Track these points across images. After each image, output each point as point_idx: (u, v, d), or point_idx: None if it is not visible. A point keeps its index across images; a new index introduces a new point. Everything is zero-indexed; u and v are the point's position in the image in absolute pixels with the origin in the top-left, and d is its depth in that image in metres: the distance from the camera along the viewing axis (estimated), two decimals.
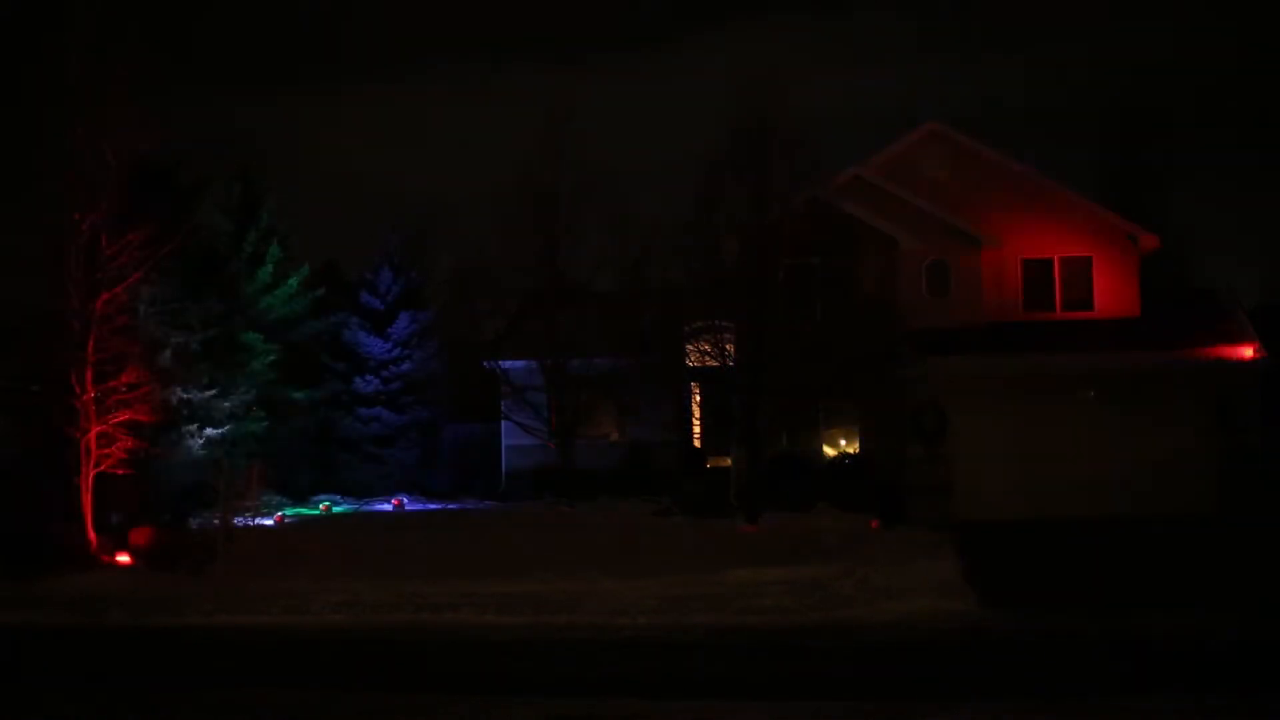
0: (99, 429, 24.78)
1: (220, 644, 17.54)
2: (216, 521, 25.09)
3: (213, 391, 29.40)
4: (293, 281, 34.53)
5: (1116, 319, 29.14)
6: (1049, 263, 30.01)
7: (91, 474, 24.65)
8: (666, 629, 17.50)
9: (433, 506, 32.51)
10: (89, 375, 24.75)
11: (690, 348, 29.62)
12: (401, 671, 15.19)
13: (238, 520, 26.57)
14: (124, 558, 24.01)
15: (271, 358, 32.36)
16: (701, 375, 30.13)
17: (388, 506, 32.32)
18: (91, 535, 24.29)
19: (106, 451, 24.81)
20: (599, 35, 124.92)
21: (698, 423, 33.02)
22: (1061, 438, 27.11)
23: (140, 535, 24.55)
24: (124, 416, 25.06)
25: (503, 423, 33.37)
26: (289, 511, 30.74)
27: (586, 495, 30.52)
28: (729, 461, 29.85)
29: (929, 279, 29.65)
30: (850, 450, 29.10)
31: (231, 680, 14.33)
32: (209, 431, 29.15)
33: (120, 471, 25.10)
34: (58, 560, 23.09)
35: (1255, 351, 26.87)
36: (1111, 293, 29.66)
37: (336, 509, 32.18)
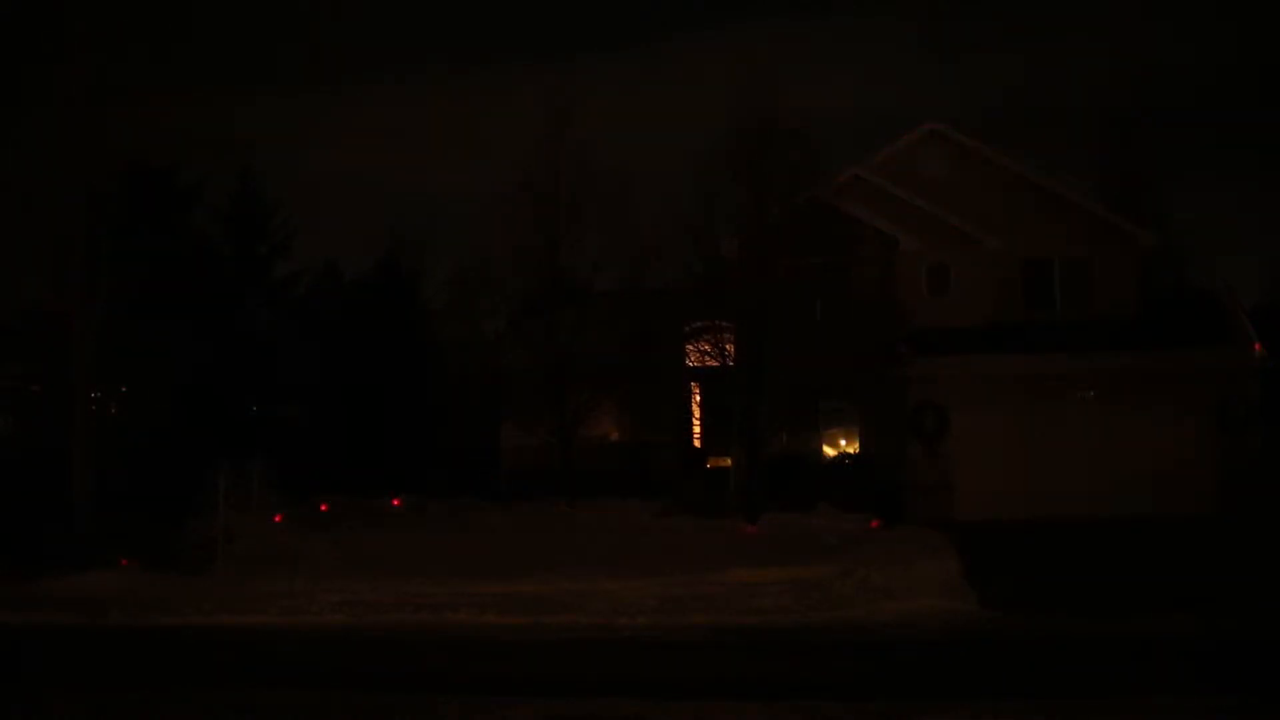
0: (99, 428, 24.76)
1: (220, 644, 17.52)
2: (216, 521, 25.05)
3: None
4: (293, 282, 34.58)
5: (1116, 319, 29.11)
6: (1049, 263, 30.00)
7: (91, 473, 24.62)
8: (666, 629, 17.48)
9: (433, 507, 32.41)
10: (89, 375, 24.74)
11: (690, 348, 29.64)
12: (401, 671, 15.17)
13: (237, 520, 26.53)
14: (123, 558, 23.98)
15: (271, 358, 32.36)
16: (701, 375, 30.14)
17: (388, 506, 32.20)
18: (92, 535, 24.26)
19: (107, 451, 24.80)
20: (596, 35, 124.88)
21: (698, 423, 33.01)
22: (1061, 438, 27.14)
23: (140, 535, 24.52)
24: (125, 416, 25.05)
25: (503, 423, 33.33)
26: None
27: (586, 495, 30.50)
28: (729, 461, 29.85)
29: (929, 279, 29.64)
30: (850, 450, 29.09)
31: (231, 680, 14.32)
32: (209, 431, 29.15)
33: (121, 471, 25.07)
34: (57, 560, 23.07)
35: (1255, 351, 26.85)
36: (1111, 293, 29.64)
37: (336, 509, 32.05)
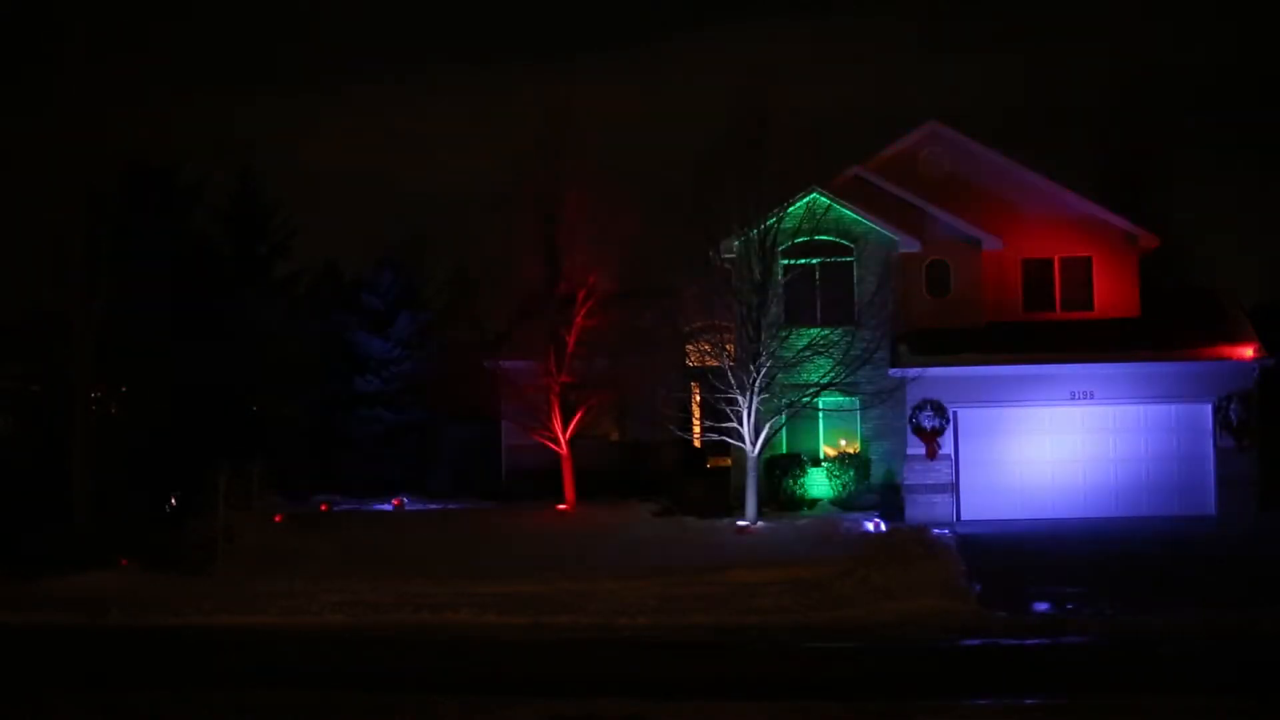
0: (99, 429, 24.78)
1: (220, 644, 17.54)
2: (216, 522, 25.07)
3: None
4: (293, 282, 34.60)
5: (1116, 319, 29.14)
6: (1049, 263, 30.01)
7: (91, 473, 24.63)
8: (667, 629, 17.50)
9: (433, 506, 32.44)
10: (89, 375, 24.76)
11: (690, 348, 29.62)
12: (401, 671, 15.18)
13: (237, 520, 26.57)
14: (123, 558, 23.99)
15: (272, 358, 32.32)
16: (701, 375, 30.13)
17: (388, 507, 32.25)
18: (92, 535, 24.27)
19: (107, 451, 24.81)
20: (596, 35, 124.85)
21: (697, 423, 32.99)
22: (1061, 438, 27.16)
23: (140, 535, 24.54)
24: (125, 416, 25.07)
25: (503, 423, 33.33)
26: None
27: (586, 495, 30.50)
28: (729, 461, 29.85)
29: (929, 279, 29.64)
30: (850, 450, 29.11)
31: (231, 680, 14.33)
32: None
33: (121, 471, 25.08)
34: (57, 560, 23.08)
35: (1255, 351, 26.86)
36: (1111, 293, 29.65)
37: (336, 509, 32.10)
